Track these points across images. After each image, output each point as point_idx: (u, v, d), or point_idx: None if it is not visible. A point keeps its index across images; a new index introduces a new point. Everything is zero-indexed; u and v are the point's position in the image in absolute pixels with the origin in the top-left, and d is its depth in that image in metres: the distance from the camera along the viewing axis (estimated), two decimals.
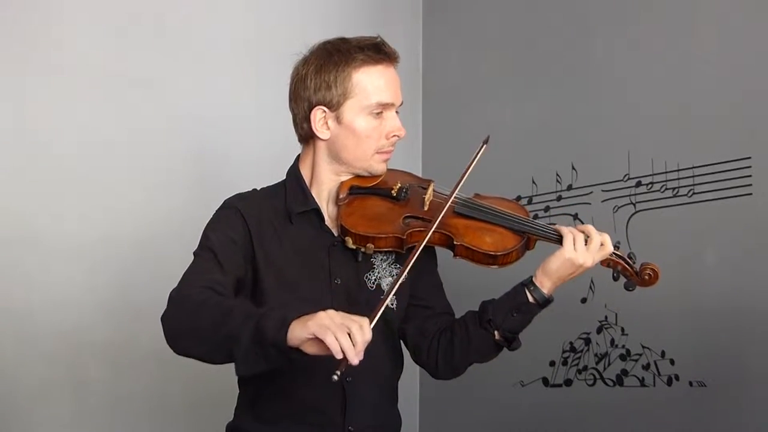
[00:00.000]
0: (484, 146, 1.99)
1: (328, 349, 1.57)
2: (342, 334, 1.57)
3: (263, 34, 3.33)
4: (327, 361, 1.89)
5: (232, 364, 1.99)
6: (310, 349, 1.61)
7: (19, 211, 2.76)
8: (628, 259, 1.94)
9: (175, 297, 1.79)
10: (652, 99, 3.17)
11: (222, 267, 1.85)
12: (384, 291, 1.93)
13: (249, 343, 1.63)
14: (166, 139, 3.07)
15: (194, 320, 1.71)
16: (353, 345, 1.56)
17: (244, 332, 1.64)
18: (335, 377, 1.58)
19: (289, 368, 1.76)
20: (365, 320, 1.60)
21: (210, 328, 1.68)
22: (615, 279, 1.96)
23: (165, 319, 1.77)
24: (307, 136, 1.99)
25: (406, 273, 1.77)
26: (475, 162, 1.96)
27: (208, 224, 1.95)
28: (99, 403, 2.87)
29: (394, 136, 1.96)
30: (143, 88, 3.03)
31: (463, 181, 1.94)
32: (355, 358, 1.57)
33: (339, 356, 1.56)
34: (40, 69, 2.84)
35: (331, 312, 1.60)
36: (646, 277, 1.93)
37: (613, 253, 1.93)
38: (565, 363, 3.30)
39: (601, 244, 1.89)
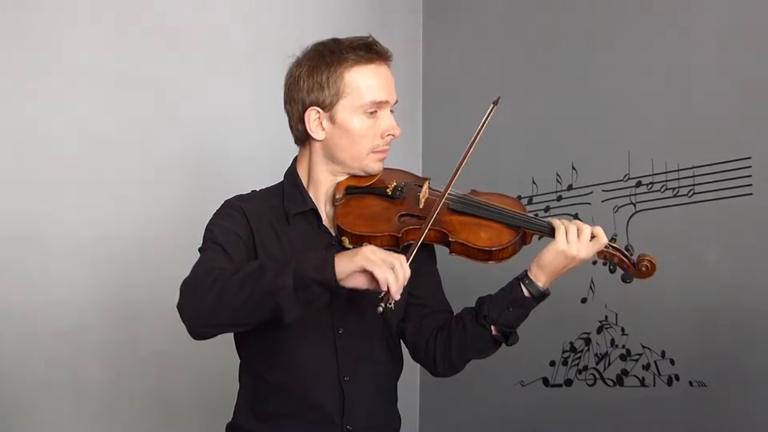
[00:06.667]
0: (494, 107, 1.96)
1: (371, 282, 1.67)
2: (388, 268, 1.65)
3: (263, 34, 3.34)
4: (327, 361, 1.90)
5: (232, 363, 2.01)
6: (354, 283, 1.68)
7: (19, 211, 2.76)
8: (624, 251, 1.93)
9: (189, 282, 1.78)
10: (652, 99, 3.17)
11: (231, 258, 1.86)
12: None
13: (292, 288, 1.68)
14: (165, 138, 3.08)
15: (220, 291, 1.72)
16: (397, 279, 1.65)
17: (285, 280, 1.68)
18: (380, 309, 1.66)
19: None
20: (403, 258, 1.69)
21: (242, 291, 1.70)
22: (611, 271, 1.95)
23: (182, 303, 1.76)
24: (302, 138, 1.99)
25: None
26: (485, 125, 1.94)
27: (210, 221, 1.95)
28: (99, 403, 2.87)
29: (389, 135, 1.96)
30: (143, 87, 3.03)
31: (470, 151, 1.92)
32: (397, 292, 1.66)
33: (385, 288, 1.65)
34: (40, 69, 2.84)
35: (373, 247, 1.70)
36: (644, 268, 1.91)
37: (609, 245, 1.91)
38: (565, 363, 3.30)
39: (594, 236, 1.88)
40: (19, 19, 2.82)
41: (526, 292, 1.91)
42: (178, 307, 1.76)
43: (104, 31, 2.99)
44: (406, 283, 1.67)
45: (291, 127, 2.00)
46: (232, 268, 1.78)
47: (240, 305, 1.71)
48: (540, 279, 1.90)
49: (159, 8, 3.11)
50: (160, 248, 2.95)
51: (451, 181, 1.92)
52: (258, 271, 1.71)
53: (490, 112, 1.96)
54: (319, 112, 1.94)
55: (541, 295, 1.91)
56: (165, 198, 3.05)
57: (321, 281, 1.68)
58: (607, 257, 1.93)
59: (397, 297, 1.66)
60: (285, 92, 1.99)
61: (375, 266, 1.65)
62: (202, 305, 1.74)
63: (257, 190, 2.04)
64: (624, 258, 1.92)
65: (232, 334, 1.98)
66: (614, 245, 1.92)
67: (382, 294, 1.67)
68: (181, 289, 1.78)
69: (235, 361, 2.01)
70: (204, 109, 3.18)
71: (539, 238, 1.95)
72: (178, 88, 3.11)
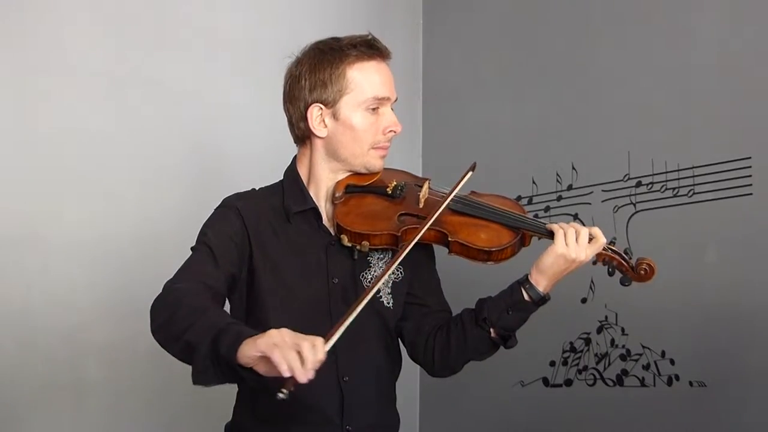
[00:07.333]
0: (471, 173, 1.98)
1: (269, 369, 1.54)
2: (290, 352, 1.51)
3: (262, 35, 3.34)
4: (326, 362, 1.90)
5: None
6: (261, 369, 1.57)
7: (19, 211, 2.76)
8: (624, 255, 1.93)
9: (167, 288, 1.80)
10: (652, 99, 3.17)
11: (216, 262, 1.86)
12: (380, 289, 1.94)
13: (205, 355, 1.61)
14: (165, 138, 3.08)
15: (171, 318, 1.71)
16: (302, 363, 1.51)
17: (203, 343, 1.62)
18: (281, 395, 1.51)
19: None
20: (319, 339, 1.55)
21: (179, 330, 1.67)
22: (610, 274, 1.96)
23: (152, 308, 1.77)
24: (303, 136, 2.00)
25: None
26: (460, 186, 1.95)
27: (206, 221, 1.96)
28: (99, 403, 2.87)
29: (391, 131, 1.97)
30: (143, 87, 3.03)
31: (448, 201, 1.93)
32: (302, 376, 1.51)
33: (286, 374, 1.51)
34: (40, 69, 2.84)
35: (283, 330, 1.56)
36: (642, 272, 1.92)
37: (609, 248, 1.92)
38: (565, 363, 3.30)
39: (592, 237, 1.89)
40: (19, 19, 2.82)
41: (526, 296, 1.91)
42: (150, 308, 1.77)
43: (104, 31, 2.99)
44: (316, 366, 1.52)
45: (291, 126, 2.01)
46: (214, 276, 1.80)
47: (176, 344, 1.69)
48: (541, 284, 1.90)
49: (159, 8, 3.11)
50: (160, 247, 2.95)
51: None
52: (198, 319, 1.66)
53: (464, 176, 1.97)
54: (321, 109, 1.94)
55: (541, 300, 1.91)
56: (164, 197, 3.05)
57: (227, 361, 1.58)
58: (606, 260, 1.93)
59: (303, 381, 1.51)
60: (285, 91, 1.99)
61: (274, 351, 1.51)
62: (160, 322, 1.74)
63: (257, 188, 2.04)
64: (623, 261, 1.93)
65: None
66: (613, 248, 1.93)
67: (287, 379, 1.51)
68: (162, 289, 1.80)
69: None
70: (204, 109, 3.18)
71: (539, 239, 1.95)
72: (177, 87, 3.11)
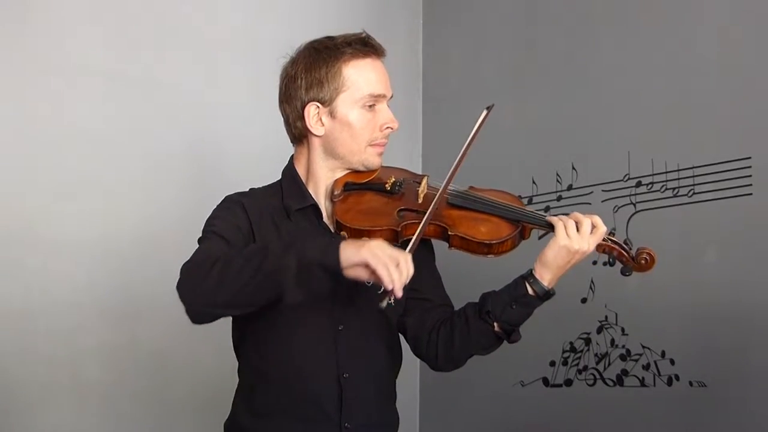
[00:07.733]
0: (486, 112, 1.96)
1: (370, 276, 1.65)
2: (393, 265, 1.63)
3: (262, 35, 3.34)
4: (327, 358, 1.90)
5: (232, 361, 2.01)
6: (355, 274, 1.67)
7: (19, 211, 2.76)
8: (624, 245, 1.93)
9: (190, 263, 1.78)
10: (652, 100, 3.17)
11: (230, 246, 1.85)
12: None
13: (295, 270, 1.67)
14: (165, 138, 3.08)
15: (222, 270, 1.71)
16: (401, 276, 1.64)
17: (289, 261, 1.67)
18: (384, 305, 1.67)
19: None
20: (409, 255, 1.68)
21: (244, 271, 1.69)
22: (611, 264, 1.95)
23: (182, 283, 1.75)
24: (300, 135, 2.00)
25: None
26: (479, 129, 1.93)
27: (212, 214, 1.95)
28: (99, 404, 2.87)
29: (388, 128, 1.97)
30: (143, 87, 3.03)
31: (467, 151, 1.91)
32: (400, 290, 1.64)
33: (390, 287, 1.63)
34: (40, 69, 2.84)
35: (380, 242, 1.68)
36: (643, 261, 1.92)
37: (608, 238, 1.92)
38: (565, 363, 3.30)
39: (594, 226, 1.89)
40: (19, 19, 2.82)
41: (530, 291, 1.90)
42: (177, 288, 1.75)
43: (104, 31, 2.99)
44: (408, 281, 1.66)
45: (288, 125, 2.01)
46: (234, 251, 1.79)
47: (242, 284, 1.70)
48: (545, 278, 1.90)
49: (159, 8, 3.12)
50: (160, 247, 2.96)
51: (450, 178, 1.92)
52: (262, 251, 1.71)
53: (484, 119, 1.95)
54: (318, 107, 1.95)
55: (545, 294, 1.91)
56: (164, 197, 3.05)
57: (324, 265, 1.67)
58: (606, 250, 1.93)
59: (400, 295, 1.64)
60: (281, 91, 2.00)
61: (379, 263, 1.63)
62: (202, 284, 1.73)
63: (256, 188, 2.04)
64: (623, 251, 1.93)
65: (230, 333, 1.99)
66: (613, 238, 1.93)
67: (383, 290, 1.65)
68: (181, 269, 1.77)
69: (235, 359, 2.01)
70: (203, 109, 3.18)
71: (539, 238, 1.95)
72: (178, 87, 3.12)
